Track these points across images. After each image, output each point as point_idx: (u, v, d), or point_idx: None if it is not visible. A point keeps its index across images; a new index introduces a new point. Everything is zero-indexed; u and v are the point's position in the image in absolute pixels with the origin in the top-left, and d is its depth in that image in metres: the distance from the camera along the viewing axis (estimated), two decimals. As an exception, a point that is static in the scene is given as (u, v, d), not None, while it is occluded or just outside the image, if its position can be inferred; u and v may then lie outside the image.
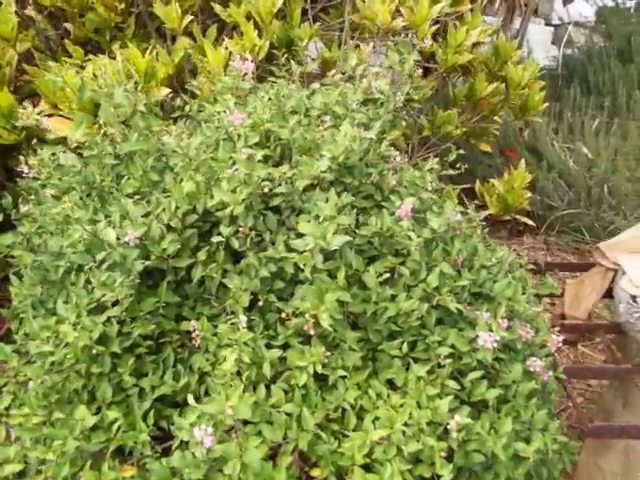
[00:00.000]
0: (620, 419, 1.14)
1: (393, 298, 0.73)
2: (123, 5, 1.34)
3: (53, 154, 1.06)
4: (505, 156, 2.78)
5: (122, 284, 0.73)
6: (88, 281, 0.90)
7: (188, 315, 0.87)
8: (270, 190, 0.74)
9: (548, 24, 5.60)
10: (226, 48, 1.35)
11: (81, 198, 0.83)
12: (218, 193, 0.75)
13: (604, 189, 2.84)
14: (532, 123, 3.04)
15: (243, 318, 0.73)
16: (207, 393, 0.81)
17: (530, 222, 2.04)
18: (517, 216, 1.92)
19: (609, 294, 1.20)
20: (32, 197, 0.96)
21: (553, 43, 5.46)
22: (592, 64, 3.95)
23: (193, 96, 1.32)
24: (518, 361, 0.79)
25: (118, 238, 0.75)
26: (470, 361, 0.73)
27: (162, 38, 1.58)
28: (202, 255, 0.82)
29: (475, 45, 1.95)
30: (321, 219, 0.69)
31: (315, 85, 1.16)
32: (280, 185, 0.74)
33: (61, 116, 1.28)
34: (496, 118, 2.28)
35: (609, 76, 3.77)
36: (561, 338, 0.82)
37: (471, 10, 1.92)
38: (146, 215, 0.79)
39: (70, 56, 1.45)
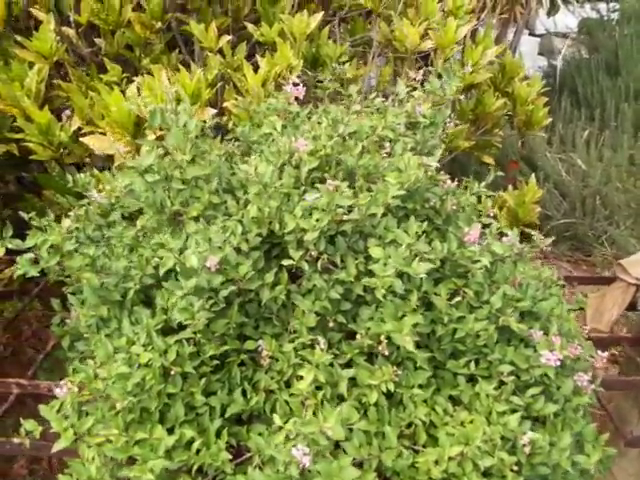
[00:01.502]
0: (636, 429, 1.20)
1: (459, 319, 0.77)
2: (159, 24, 1.36)
3: (106, 170, 1.08)
4: (507, 168, 2.86)
5: (202, 308, 0.76)
6: (148, 301, 0.93)
7: (251, 334, 0.90)
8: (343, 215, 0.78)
9: (532, 34, 5.75)
10: (256, 68, 1.39)
11: (154, 223, 0.86)
12: (292, 220, 0.79)
13: (597, 200, 2.96)
14: (527, 135, 3.13)
15: (322, 340, 0.77)
16: (273, 410, 0.84)
17: (540, 236, 2.11)
18: (526, 229, 1.99)
19: (629, 307, 1.27)
20: (96, 218, 0.98)
21: (540, 53, 5.61)
22: (581, 76, 4.07)
23: (222, 113, 1.35)
24: (567, 376, 0.84)
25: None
26: (528, 378, 0.78)
27: (189, 54, 1.60)
28: (269, 277, 0.85)
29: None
30: (402, 247, 0.73)
31: (356, 107, 1.20)
32: (353, 212, 0.78)
33: (101, 133, 1.29)
34: (497, 131, 2.36)
35: (597, 88, 3.90)
36: (605, 354, 0.87)
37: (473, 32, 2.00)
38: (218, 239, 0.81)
39: (102, 71, 1.46)
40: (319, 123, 0.98)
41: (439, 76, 1.12)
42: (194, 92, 1.15)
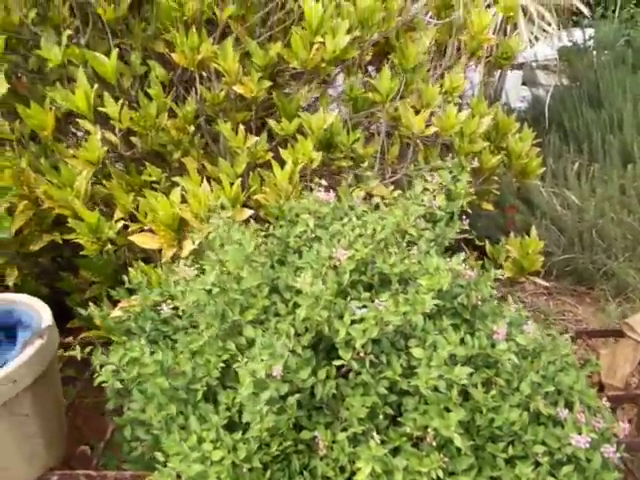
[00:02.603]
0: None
1: (495, 408, 0.89)
2: (192, 127, 1.51)
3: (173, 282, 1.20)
4: (506, 211, 3.01)
5: (270, 412, 0.87)
6: (214, 399, 1.04)
7: (306, 424, 1.01)
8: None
9: (513, 65, 5.97)
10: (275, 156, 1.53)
11: (216, 331, 0.98)
12: (342, 327, 0.91)
13: (594, 233, 3.08)
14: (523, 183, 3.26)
15: (377, 436, 0.88)
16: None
17: (544, 283, 2.24)
18: (532, 278, 2.12)
19: (642, 364, 1.38)
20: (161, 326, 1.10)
21: (523, 84, 5.83)
22: (566, 110, 4.23)
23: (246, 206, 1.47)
24: (595, 449, 0.95)
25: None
26: (561, 456, 0.89)
27: (214, 142, 1.75)
28: (322, 374, 0.96)
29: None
30: (444, 352, 0.86)
31: (376, 200, 1.34)
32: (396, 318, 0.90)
33: (145, 230, 1.42)
34: (494, 178, 2.51)
35: (583, 121, 4.07)
36: (627, 425, 0.98)
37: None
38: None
39: (138, 164, 1.60)
40: (347, 225, 1.11)
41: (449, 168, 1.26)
42: (233, 197, 1.29)
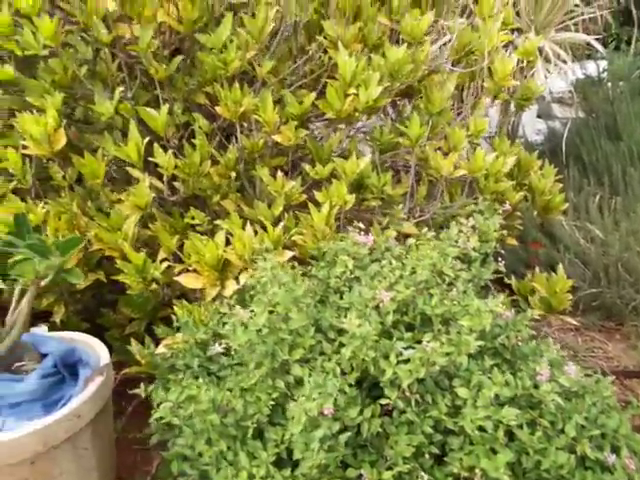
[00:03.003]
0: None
1: (542, 450, 0.91)
2: (233, 173, 1.61)
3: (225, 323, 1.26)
4: (529, 246, 3.02)
5: (321, 449, 0.91)
6: (260, 435, 1.08)
7: (351, 462, 1.03)
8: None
9: (527, 98, 6.03)
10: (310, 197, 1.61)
11: (266, 370, 1.03)
12: (389, 367, 0.95)
13: (619, 267, 3.05)
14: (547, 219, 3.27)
15: (425, 475, 0.90)
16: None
17: (574, 322, 2.24)
18: (561, 316, 2.12)
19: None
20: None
21: (539, 116, 5.90)
22: (584, 143, 4.26)
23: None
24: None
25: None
26: (608, 498, 0.90)
27: (251, 185, 1.84)
28: (368, 413, 1.00)
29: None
30: (490, 393, 0.89)
31: (411, 241, 1.40)
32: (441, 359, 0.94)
33: (190, 270, 1.49)
34: (517, 214, 2.55)
35: (602, 154, 4.09)
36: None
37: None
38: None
39: (179, 206, 1.69)
40: (386, 267, 1.17)
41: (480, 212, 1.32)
42: (275, 239, 1.36)
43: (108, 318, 1.98)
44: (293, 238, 1.53)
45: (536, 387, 0.95)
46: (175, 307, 1.46)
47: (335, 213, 1.51)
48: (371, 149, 1.85)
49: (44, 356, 1.15)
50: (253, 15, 1.50)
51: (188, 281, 1.45)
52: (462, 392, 0.92)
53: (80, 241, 1.09)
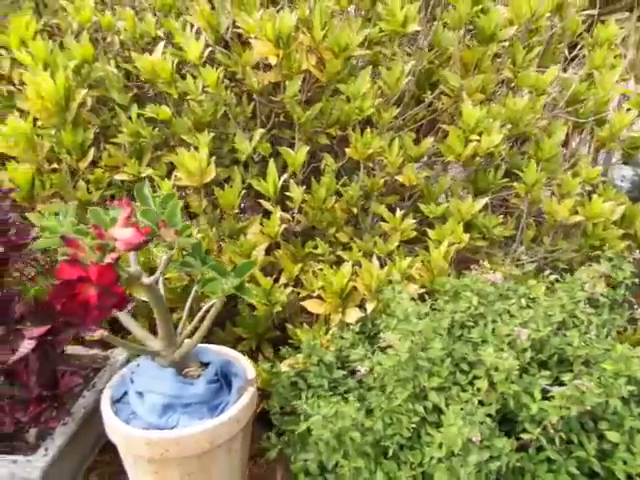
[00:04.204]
0: None
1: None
2: (355, 209, 1.73)
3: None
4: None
5: (470, 476, 0.96)
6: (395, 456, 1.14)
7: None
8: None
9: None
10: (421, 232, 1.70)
11: (408, 394, 1.10)
12: (533, 403, 1.00)
13: None
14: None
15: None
16: None
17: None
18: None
19: None
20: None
21: (625, 163, 5.69)
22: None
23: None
24: None
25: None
26: None
27: (363, 220, 1.96)
28: (508, 446, 1.04)
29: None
30: None
31: (532, 282, 1.44)
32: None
33: (313, 297, 1.61)
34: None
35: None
36: None
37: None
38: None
39: (297, 236, 1.84)
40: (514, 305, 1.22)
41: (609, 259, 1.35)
42: (403, 272, 1.46)
43: (218, 336, 2.13)
44: (411, 272, 1.61)
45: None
46: (298, 331, 1.58)
47: (452, 252, 1.59)
48: (465, 191, 1.92)
49: (204, 365, 1.29)
50: (388, 68, 1.66)
51: (312, 306, 1.57)
52: (613, 436, 0.94)
53: (253, 266, 1.23)
